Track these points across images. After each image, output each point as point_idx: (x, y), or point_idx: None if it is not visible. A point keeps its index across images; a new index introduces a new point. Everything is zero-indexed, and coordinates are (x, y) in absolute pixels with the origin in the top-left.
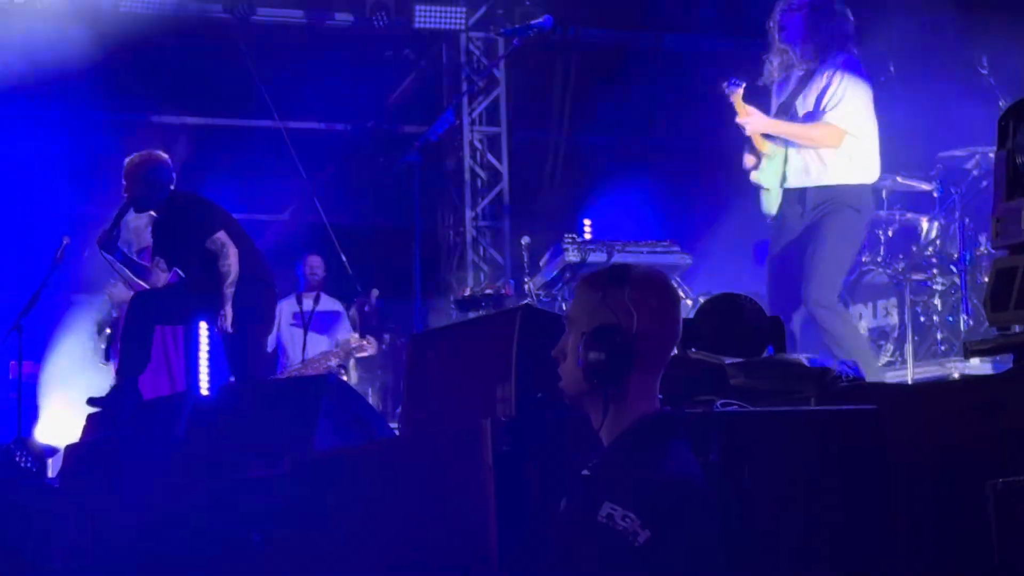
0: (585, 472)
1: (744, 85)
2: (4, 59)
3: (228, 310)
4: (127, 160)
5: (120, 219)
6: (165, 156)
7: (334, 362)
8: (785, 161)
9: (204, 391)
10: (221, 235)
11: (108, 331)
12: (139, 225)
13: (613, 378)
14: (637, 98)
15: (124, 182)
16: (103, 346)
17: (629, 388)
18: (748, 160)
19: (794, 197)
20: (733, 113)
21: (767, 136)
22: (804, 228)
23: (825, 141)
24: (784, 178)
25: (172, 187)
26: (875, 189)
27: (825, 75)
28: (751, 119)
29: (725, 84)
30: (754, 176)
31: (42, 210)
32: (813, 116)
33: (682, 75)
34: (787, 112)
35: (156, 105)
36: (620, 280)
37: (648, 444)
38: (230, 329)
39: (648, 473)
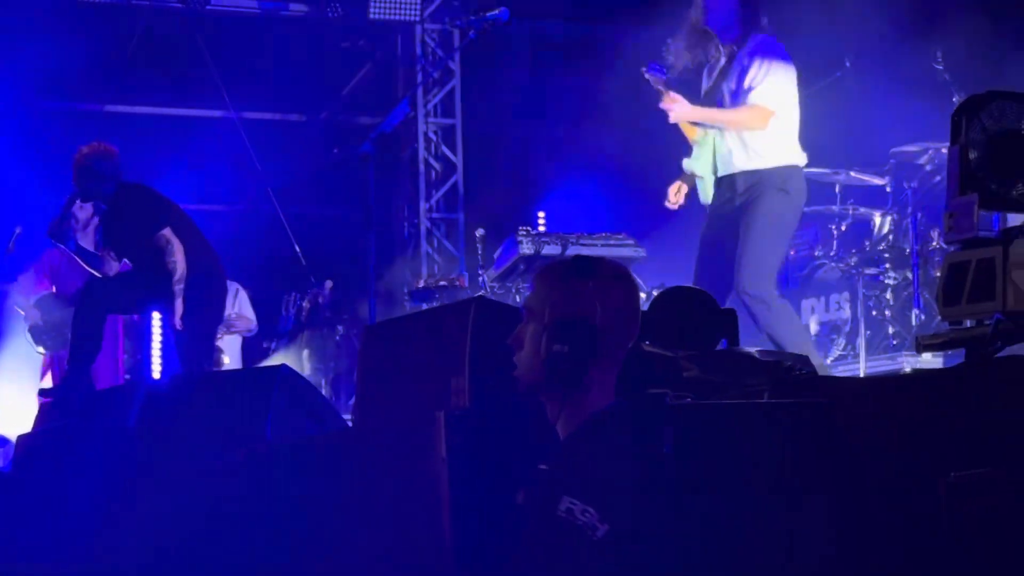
0: (543, 466)
1: (667, 70)
2: None
3: (178, 305)
4: (77, 151)
5: (68, 209)
6: (114, 148)
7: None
8: (714, 149)
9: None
10: (167, 232)
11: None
12: (84, 217)
13: (575, 371)
14: (591, 90)
15: (72, 172)
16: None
17: (588, 381)
18: (669, 197)
19: (726, 183)
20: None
21: (695, 123)
22: (733, 214)
23: (752, 123)
24: (715, 166)
25: (120, 178)
26: (828, 183)
27: (748, 56)
28: (675, 106)
29: (644, 69)
30: (686, 164)
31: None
32: (737, 98)
33: (636, 67)
34: (714, 97)
35: (109, 95)
36: (584, 272)
37: (606, 438)
38: (179, 325)
39: (606, 467)
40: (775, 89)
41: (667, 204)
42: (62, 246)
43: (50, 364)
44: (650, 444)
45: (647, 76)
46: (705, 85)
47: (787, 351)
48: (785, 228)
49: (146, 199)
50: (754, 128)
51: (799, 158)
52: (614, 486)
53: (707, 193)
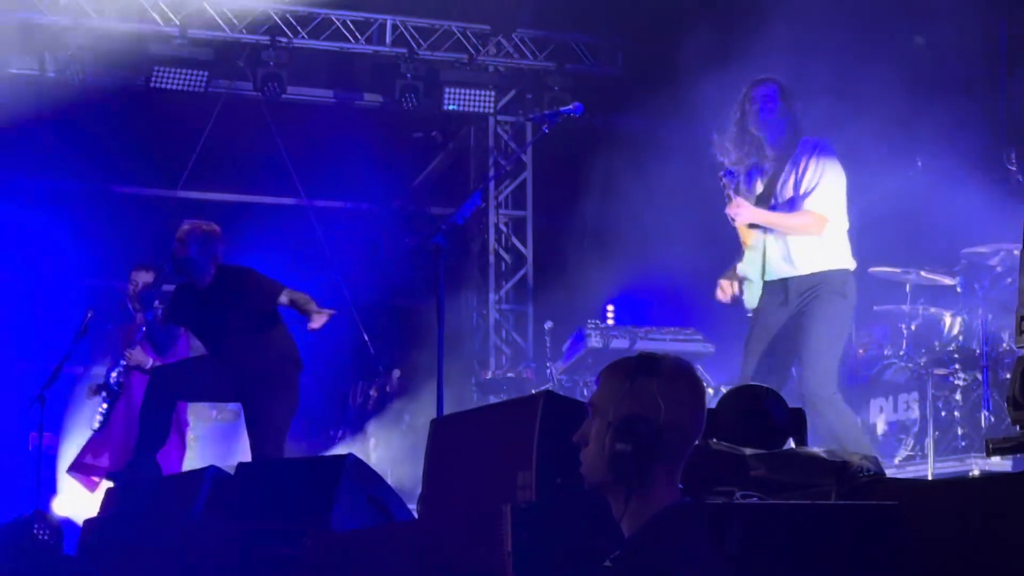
0: (607, 563)
1: (738, 176)
2: (32, 130)
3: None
4: (184, 226)
5: (158, 286)
6: (216, 227)
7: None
8: (764, 252)
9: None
10: (283, 296)
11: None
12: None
13: (638, 470)
14: (663, 185)
15: (176, 245)
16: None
17: (652, 478)
18: (722, 289)
19: (776, 287)
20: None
21: (751, 226)
22: (788, 317)
23: (809, 229)
24: (764, 270)
25: (220, 260)
26: (899, 283)
27: (802, 160)
28: (740, 210)
29: (721, 175)
30: (740, 269)
31: (66, 283)
32: (793, 203)
33: (709, 163)
34: (768, 201)
35: (183, 180)
36: (649, 370)
37: (671, 536)
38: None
39: (671, 566)
40: (830, 195)
41: (717, 297)
42: (141, 315)
43: None
44: (716, 543)
45: (723, 181)
46: (756, 187)
47: (850, 448)
48: (844, 330)
49: (254, 276)
50: (811, 234)
51: (851, 262)
52: None
53: (753, 297)
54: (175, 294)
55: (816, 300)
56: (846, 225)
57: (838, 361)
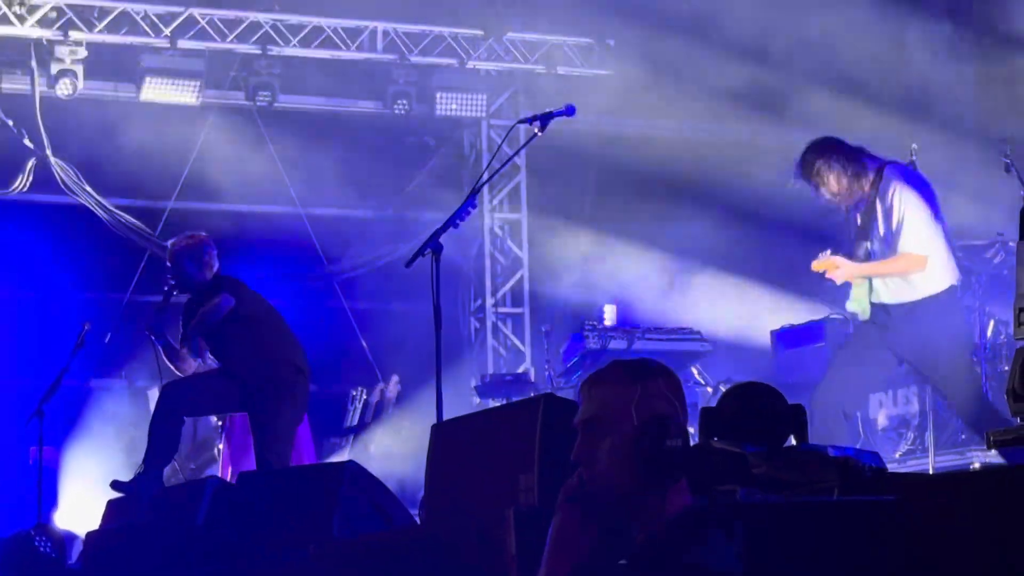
0: (623, 562)
1: (827, 251)
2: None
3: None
4: (171, 242)
5: (167, 303)
6: (209, 238)
7: None
8: (870, 285)
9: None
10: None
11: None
12: None
13: (678, 466)
14: (657, 185)
15: (169, 263)
16: None
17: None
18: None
19: (879, 309)
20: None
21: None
22: (884, 338)
23: (911, 269)
24: (871, 292)
25: (217, 270)
26: None
27: (887, 197)
28: (840, 271)
29: (815, 264)
30: (849, 307)
31: (61, 297)
32: (888, 243)
33: (704, 163)
34: (867, 236)
35: (175, 192)
36: (648, 372)
37: (688, 537)
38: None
39: (689, 564)
40: (920, 229)
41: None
42: (153, 339)
43: None
44: (731, 542)
45: (816, 268)
46: (857, 221)
47: None
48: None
49: (244, 289)
50: (913, 273)
51: (948, 279)
52: None
53: (855, 305)
54: (184, 311)
55: (923, 328)
56: (941, 244)
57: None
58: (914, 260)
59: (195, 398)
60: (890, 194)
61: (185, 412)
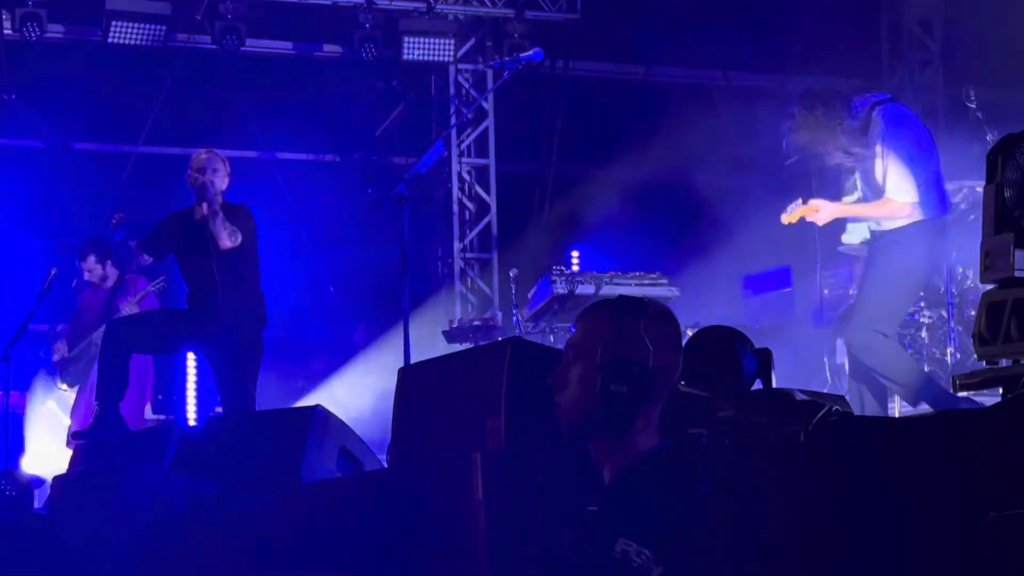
0: (592, 507)
1: (798, 200)
2: None
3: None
4: (197, 158)
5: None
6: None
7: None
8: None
9: (191, 421)
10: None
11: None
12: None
13: (631, 412)
14: (625, 130)
15: (193, 175)
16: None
17: (636, 421)
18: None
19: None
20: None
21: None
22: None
23: (895, 215)
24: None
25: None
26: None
27: (877, 142)
28: (820, 214)
29: (786, 216)
30: (845, 239)
31: (26, 242)
32: (874, 186)
33: (670, 107)
34: (868, 183)
35: (143, 136)
36: (634, 312)
37: (657, 479)
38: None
39: (659, 509)
40: (905, 175)
41: (782, 218)
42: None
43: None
44: (692, 485)
45: (786, 221)
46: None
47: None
48: (900, 282)
49: (250, 218)
50: (898, 218)
51: (921, 212)
52: (666, 528)
53: (851, 236)
54: (166, 220)
55: (880, 253)
56: (928, 180)
57: (888, 311)
58: (897, 207)
59: (142, 336)
60: (879, 140)
61: (132, 349)
